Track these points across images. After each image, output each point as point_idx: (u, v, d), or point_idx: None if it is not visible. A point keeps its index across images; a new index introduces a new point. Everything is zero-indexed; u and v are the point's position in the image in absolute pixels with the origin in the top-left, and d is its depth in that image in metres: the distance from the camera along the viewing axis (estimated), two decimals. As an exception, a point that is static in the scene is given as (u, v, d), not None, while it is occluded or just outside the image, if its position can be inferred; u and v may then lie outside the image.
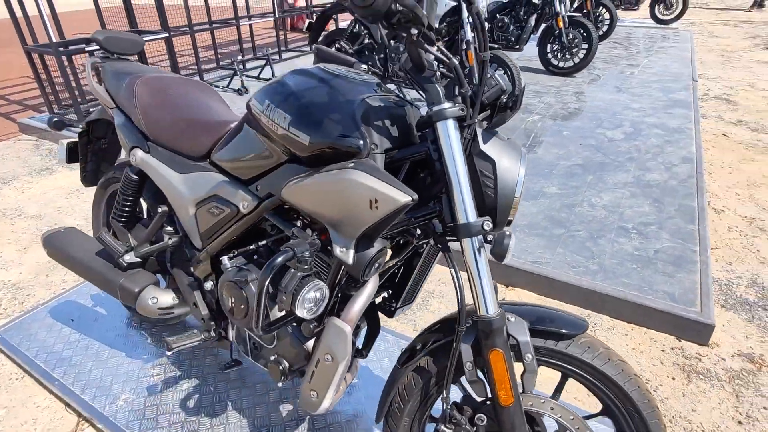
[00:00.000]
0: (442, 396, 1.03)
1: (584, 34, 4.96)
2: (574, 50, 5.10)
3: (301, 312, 0.96)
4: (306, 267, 0.96)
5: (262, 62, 5.41)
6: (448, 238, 1.00)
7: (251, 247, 1.23)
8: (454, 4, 3.49)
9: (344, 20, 7.17)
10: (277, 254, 0.94)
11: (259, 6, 6.20)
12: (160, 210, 1.40)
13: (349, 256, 0.97)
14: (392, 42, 3.34)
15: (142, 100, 1.41)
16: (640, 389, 0.97)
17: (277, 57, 5.96)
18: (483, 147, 0.94)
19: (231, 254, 1.24)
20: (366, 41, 4.09)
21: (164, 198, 1.46)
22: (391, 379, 1.11)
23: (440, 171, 0.98)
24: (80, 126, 1.71)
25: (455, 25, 3.68)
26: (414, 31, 0.86)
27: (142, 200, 1.56)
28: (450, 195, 0.93)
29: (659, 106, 4.26)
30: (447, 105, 0.91)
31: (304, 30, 4.59)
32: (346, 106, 0.99)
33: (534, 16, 4.86)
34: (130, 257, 1.46)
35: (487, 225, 0.91)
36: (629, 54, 6.14)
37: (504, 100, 0.97)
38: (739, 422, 1.57)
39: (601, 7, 6.38)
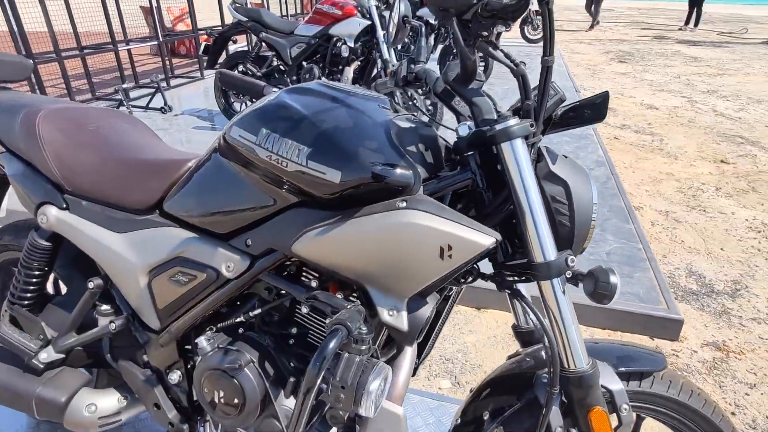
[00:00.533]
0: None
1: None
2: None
3: (367, 409, 0.71)
4: (365, 348, 0.72)
5: (148, 90, 4.83)
6: (514, 279, 0.83)
7: (238, 319, 0.94)
8: (368, 23, 3.40)
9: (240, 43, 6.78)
10: (328, 338, 0.69)
11: (133, 30, 5.56)
12: (91, 284, 1.03)
13: (402, 320, 0.76)
14: (305, 64, 3.12)
15: (52, 139, 1.04)
16: (724, 417, 0.89)
17: (164, 84, 5.37)
18: (553, 168, 0.80)
19: (207, 332, 0.94)
20: (275, 63, 3.83)
21: (92, 267, 1.09)
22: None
23: (489, 199, 0.82)
24: None
25: (369, 46, 3.60)
26: (501, 28, 0.69)
27: (53, 273, 1.16)
28: (523, 229, 0.76)
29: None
30: (513, 121, 0.75)
31: (200, 53, 4.17)
32: (377, 129, 0.78)
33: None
34: (47, 355, 1.07)
35: (572, 261, 0.76)
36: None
37: (558, 112, 0.83)
38: (732, 413, 1.61)
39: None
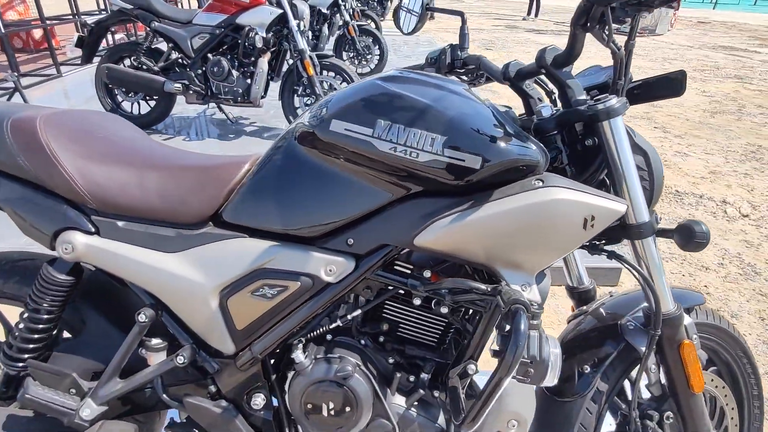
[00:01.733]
0: (627, 412, 0.96)
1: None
2: (368, 56, 5.28)
3: (552, 378, 0.74)
4: (539, 322, 0.74)
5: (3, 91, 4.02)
6: (602, 242, 0.92)
7: (331, 325, 0.90)
8: (280, 12, 3.25)
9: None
10: (516, 320, 0.69)
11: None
12: (142, 317, 0.88)
13: (536, 294, 0.80)
14: (210, 56, 2.97)
15: (66, 150, 0.86)
16: (742, 336, 1.10)
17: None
18: (636, 140, 0.89)
19: (298, 345, 0.89)
20: (173, 56, 3.46)
21: (108, 300, 0.93)
22: (562, 416, 0.96)
23: (572, 173, 0.89)
24: None
25: (278, 36, 3.45)
26: (645, 14, 0.75)
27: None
28: (622, 196, 0.85)
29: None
30: (616, 100, 0.82)
31: (74, 45, 3.58)
32: (493, 114, 0.80)
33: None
34: (90, 411, 0.89)
35: (659, 219, 0.87)
36: (411, 53, 6.89)
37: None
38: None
39: (364, 35, 5.65)
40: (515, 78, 0.94)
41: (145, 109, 3.68)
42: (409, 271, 0.88)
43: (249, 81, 3.39)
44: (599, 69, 0.96)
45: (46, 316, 0.90)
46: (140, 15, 3.37)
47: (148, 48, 3.45)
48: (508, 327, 0.71)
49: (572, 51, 0.82)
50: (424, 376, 0.92)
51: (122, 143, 0.93)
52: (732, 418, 1.11)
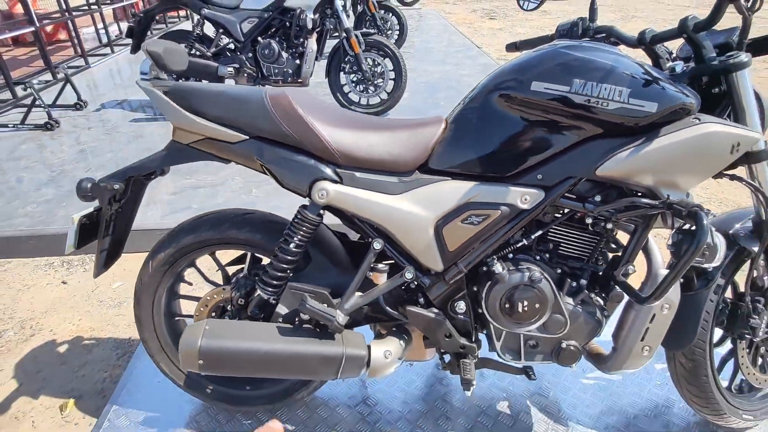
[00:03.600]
0: (743, 302, 1.24)
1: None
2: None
3: (720, 258, 1.01)
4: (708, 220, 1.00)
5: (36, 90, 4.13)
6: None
7: (520, 243, 1.16)
8: (325, -8, 3.42)
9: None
10: (699, 222, 0.94)
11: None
12: (378, 245, 1.14)
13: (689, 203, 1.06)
14: (261, 39, 3.25)
15: (317, 118, 1.09)
16: None
17: (57, 76, 4.63)
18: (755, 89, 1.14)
19: (500, 258, 1.15)
20: (223, 41, 3.63)
21: (336, 244, 1.19)
22: (689, 306, 1.24)
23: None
24: (110, 185, 1.17)
25: (324, 16, 3.62)
26: None
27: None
28: None
29: (478, 70, 5.11)
30: (744, 55, 1.07)
31: (125, 35, 3.72)
32: (653, 71, 1.04)
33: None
34: (342, 318, 1.15)
35: None
36: (417, 26, 7.02)
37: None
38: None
39: (383, 11, 5.46)
40: (650, 42, 1.18)
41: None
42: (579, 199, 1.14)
43: (298, 61, 3.57)
44: (715, 33, 1.20)
45: (296, 249, 1.15)
46: (190, 3, 3.52)
47: (199, 35, 3.61)
48: (686, 225, 0.97)
49: (714, 19, 1.05)
50: (584, 282, 1.19)
51: (343, 112, 1.17)
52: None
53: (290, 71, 3.57)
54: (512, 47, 1.50)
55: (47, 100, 3.82)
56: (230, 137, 1.10)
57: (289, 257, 1.16)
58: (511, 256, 1.20)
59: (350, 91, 3.77)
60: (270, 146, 1.10)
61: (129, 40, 5.21)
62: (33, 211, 2.51)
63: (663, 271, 1.14)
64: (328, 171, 1.10)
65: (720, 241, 1.02)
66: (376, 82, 3.69)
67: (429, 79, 4.77)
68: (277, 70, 3.58)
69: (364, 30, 3.63)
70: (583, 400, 1.50)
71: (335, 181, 1.11)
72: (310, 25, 3.40)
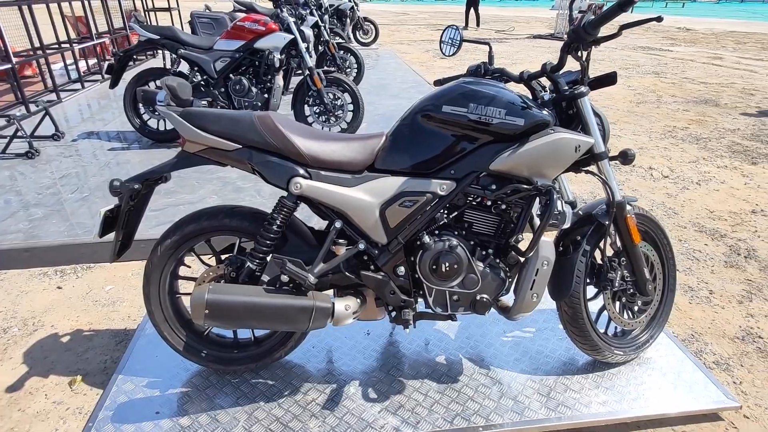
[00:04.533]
0: (603, 262, 1.71)
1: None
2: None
3: (568, 223, 1.47)
4: (558, 197, 1.47)
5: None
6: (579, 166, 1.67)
7: (440, 222, 1.60)
8: (292, 36, 3.90)
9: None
10: (549, 205, 1.41)
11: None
12: (339, 224, 1.55)
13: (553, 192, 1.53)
14: (232, 76, 3.85)
15: (292, 131, 1.51)
16: (660, 222, 1.89)
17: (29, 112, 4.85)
18: (595, 109, 1.65)
19: (428, 233, 1.58)
20: (198, 78, 4.03)
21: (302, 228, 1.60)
22: (565, 266, 1.69)
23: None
24: (132, 185, 1.54)
25: (289, 55, 4.10)
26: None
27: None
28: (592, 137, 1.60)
29: (428, 103, 5.71)
30: (584, 88, 1.57)
31: (104, 72, 4.06)
32: (524, 99, 1.53)
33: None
34: (313, 279, 1.53)
35: (608, 152, 1.63)
36: (375, 64, 7.64)
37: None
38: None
39: (342, 51, 6.05)
40: (527, 79, 1.67)
41: (170, 125, 4.20)
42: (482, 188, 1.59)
43: (266, 95, 4.01)
44: (570, 72, 1.71)
45: (277, 228, 1.54)
46: (167, 44, 3.92)
47: (175, 72, 4.00)
48: (545, 201, 1.44)
49: (561, 64, 1.56)
50: (491, 251, 1.64)
51: (310, 129, 1.59)
52: (659, 270, 1.89)
53: (259, 104, 4.00)
54: (438, 82, 1.98)
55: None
56: (228, 146, 1.50)
57: (272, 234, 1.55)
58: (437, 232, 1.63)
59: (313, 122, 4.23)
60: (258, 152, 1.50)
61: (98, 76, 5.51)
62: (25, 227, 2.77)
63: (545, 239, 1.60)
64: (301, 170, 1.51)
65: (567, 210, 1.49)
66: (336, 113, 4.16)
67: (384, 111, 5.30)
68: (247, 103, 3.99)
69: (325, 68, 4.13)
70: (502, 352, 1.92)
71: (306, 178, 1.52)
72: (277, 64, 3.86)
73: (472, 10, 15.30)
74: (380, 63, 8.38)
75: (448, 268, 1.56)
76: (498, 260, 1.65)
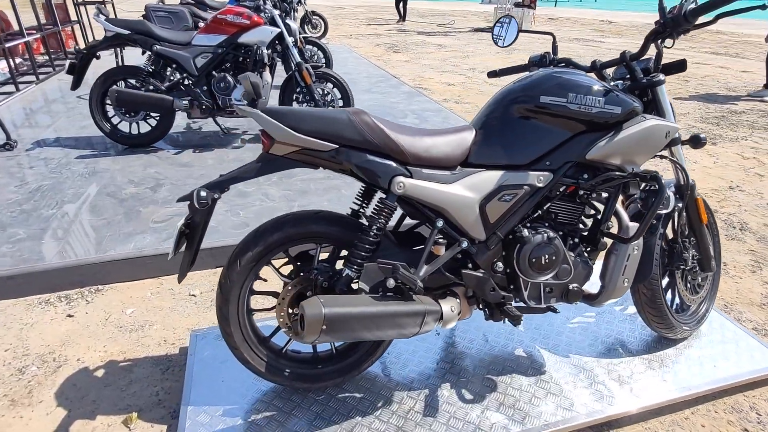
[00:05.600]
0: (677, 243, 1.77)
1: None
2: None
3: (670, 207, 1.50)
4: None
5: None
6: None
7: (536, 214, 1.58)
8: (279, 30, 3.71)
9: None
10: (657, 196, 1.43)
11: None
12: (440, 223, 1.48)
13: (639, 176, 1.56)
14: (215, 73, 3.73)
15: (392, 128, 1.42)
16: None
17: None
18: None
19: (524, 226, 1.56)
20: (176, 76, 3.72)
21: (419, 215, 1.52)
22: (647, 249, 1.73)
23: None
24: (215, 194, 1.38)
25: (274, 51, 3.90)
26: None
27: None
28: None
29: (403, 98, 5.68)
30: (661, 76, 1.61)
31: (66, 72, 3.62)
32: (609, 86, 1.54)
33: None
34: (420, 283, 1.46)
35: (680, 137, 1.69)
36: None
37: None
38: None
39: (310, 45, 5.84)
40: (600, 68, 1.69)
41: (144, 128, 3.86)
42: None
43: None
44: (641, 61, 1.74)
45: (378, 231, 1.44)
46: (140, 40, 3.58)
47: (150, 70, 3.67)
48: (647, 187, 1.47)
49: (643, 52, 1.59)
50: (576, 240, 1.64)
51: (402, 125, 1.50)
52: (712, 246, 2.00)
53: (245, 102, 3.77)
54: (493, 74, 1.96)
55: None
56: (323, 147, 1.38)
57: (372, 239, 1.45)
58: (529, 225, 1.61)
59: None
60: (356, 152, 1.40)
61: (32, 77, 4.96)
62: (9, 251, 2.42)
63: (632, 224, 1.63)
64: (403, 169, 1.43)
65: (671, 194, 1.53)
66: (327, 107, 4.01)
67: (365, 106, 5.20)
68: (232, 102, 3.75)
69: (314, 63, 3.96)
70: (575, 339, 1.95)
71: (408, 176, 1.43)
72: (267, 60, 3.65)
73: (401, 5, 15.42)
74: (338, 58, 8.22)
75: (547, 261, 1.55)
76: (583, 248, 1.66)
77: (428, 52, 9.70)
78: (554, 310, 1.65)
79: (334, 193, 3.15)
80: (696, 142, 1.66)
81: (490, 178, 1.50)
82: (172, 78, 3.71)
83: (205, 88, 3.72)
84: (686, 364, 1.83)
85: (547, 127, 1.50)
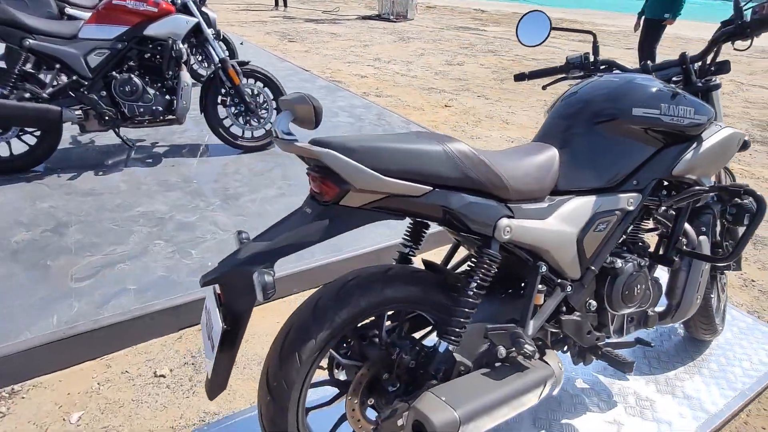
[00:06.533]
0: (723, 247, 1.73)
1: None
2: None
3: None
4: None
5: None
6: None
7: (620, 240, 1.41)
8: (196, 21, 3.07)
9: None
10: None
11: None
12: (544, 268, 1.23)
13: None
14: (117, 74, 3.17)
15: (489, 158, 1.11)
16: None
17: None
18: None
19: (616, 255, 1.38)
20: (63, 79, 2.89)
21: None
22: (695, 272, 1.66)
23: None
24: (271, 272, 0.96)
25: (190, 46, 3.25)
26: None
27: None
28: None
29: (324, 93, 5.25)
30: (719, 80, 1.51)
31: None
32: (687, 93, 1.41)
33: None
34: (530, 343, 1.19)
35: None
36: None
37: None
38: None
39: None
40: (651, 70, 1.55)
41: (19, 148, 2.95)
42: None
43: (169, 96, 3.10)
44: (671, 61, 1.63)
45: (478, 290, 1.13)
46: (4, 33, 2.69)
47: (21, 73, 2.79)
48: (739, 201, 1.37)
49: (707, 54, 1.47)
50: (650, 261, 1.50)
51: (490, 151, 1.20)
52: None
53: (160, 108, 3.08)
54: (522, 77, 1.73)
55: None
56: (416, 191, 1.03)
57: (473, 300, 1.14)
58: (617, 254, 1.42)
59: (232, 125, 3.46)
60: (454, 193, 1.07)
61: None
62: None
63: (702, 238, 1.53)
64: (506, 209, 1.13)
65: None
66: (260, 113, 3.47)
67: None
68: (143, 109, 3.04)
69: (239, 60, 3.38)
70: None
71: (511, 216, 1.14)
72: (184, 57, 3.00)
73: None
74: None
75: (638, 290, 1.39)
76: (654, 269, 1.54)
77: (325, 42, 9.24)
78: (647, 344, 1.50)
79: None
80: (744, 146, 1.62)
81: (584, 206, 1.27)
82: (55, 82, 2.86)
83: (104, 93, 2.95)
84: (728, 367, 1.83)
85: (636, 142, 1.32)
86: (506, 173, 1.13)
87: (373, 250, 2.41)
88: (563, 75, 1.67)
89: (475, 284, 1.14)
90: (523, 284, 1.33)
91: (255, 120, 3.48)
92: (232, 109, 3.40)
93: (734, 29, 1.42)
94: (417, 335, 1.26)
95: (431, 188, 1.04)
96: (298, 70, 6.19)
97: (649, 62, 1.55)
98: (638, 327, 1.51)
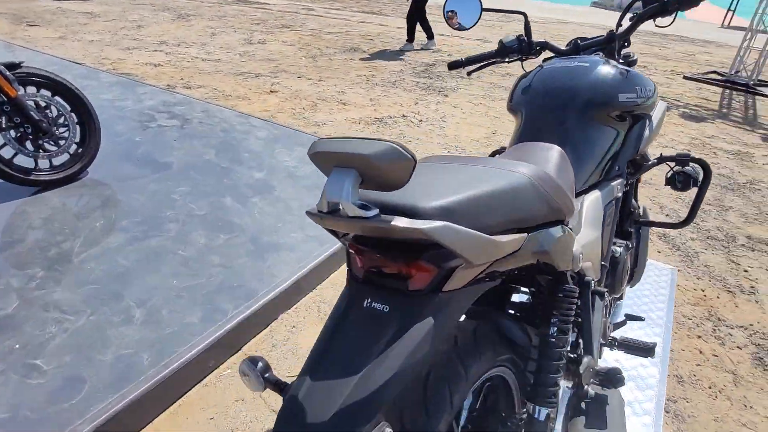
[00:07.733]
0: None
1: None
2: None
3: None
4: None
5: None
6: None
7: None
8: None
9: None
10: None
11: None
12: (593, 285, 1.11)
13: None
14: None
15: (559, 178, 0.91)
16: None
17: None
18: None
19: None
20: None
21: None
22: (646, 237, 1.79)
23: None
24: None
25: None
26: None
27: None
28: None
29: (118, 91, 4.19)
30: (635, 54, 1.58)
31: None
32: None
33: None
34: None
35: None
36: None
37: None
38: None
39: None
40: (583, 49, 1.54)
41: None
42: None
43: None
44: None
45: (565, 334, 0.96)
46: None
47: None
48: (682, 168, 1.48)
49: (631, 31, 1.51)
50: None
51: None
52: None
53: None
54: (457, 64, 1.56)
55: None
56: (515, 244, 0.77)
57: (559, 350, 0.96)
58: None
59: (16, 154, 2.43)
60: (546, 233, 0.85)
61: None
62: None
63: (644, 207, 1.64)
64: (571, 232, 0.96)
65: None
66: (58, 132, 2.53)
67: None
68: None
69: (8, 62, 2.35)
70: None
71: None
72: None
73: None
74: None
75: (628, 269, 1.42)
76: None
77: (82, 24, 7.44)
78: (639, 318, 1.55)
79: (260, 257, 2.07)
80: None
81: (596, 204, 1.20)
82: None
83: None
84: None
85: (616, 128, 1.29)
86: (569, 191, 0.96)
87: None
88: (499, 59, 1.56)
89: (557, 329, 0.95)
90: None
91: (51, 142, 2.52)
92: (12, 132, 2.38)
93: (658, 7, 1.48)
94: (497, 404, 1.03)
95: (526, 234, 0.80)
96: (68, 64, 4.82)
97: (577, 40, 1.53)
98: (615, 301, 1.57)
